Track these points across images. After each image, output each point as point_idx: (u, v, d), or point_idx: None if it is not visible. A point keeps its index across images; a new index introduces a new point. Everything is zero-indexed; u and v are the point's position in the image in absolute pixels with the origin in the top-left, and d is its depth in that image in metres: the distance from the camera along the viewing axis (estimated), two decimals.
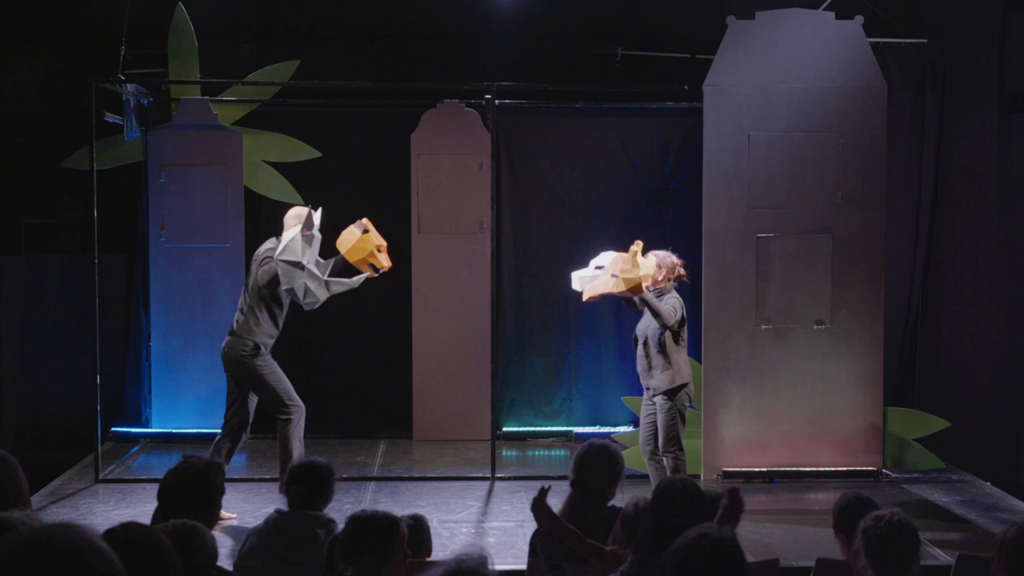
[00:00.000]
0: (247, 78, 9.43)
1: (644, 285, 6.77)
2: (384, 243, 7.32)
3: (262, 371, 7.08)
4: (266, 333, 7.15)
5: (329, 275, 7.21)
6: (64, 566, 1.75)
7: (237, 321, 7.17)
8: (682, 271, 7.13)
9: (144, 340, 9.58)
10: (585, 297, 7.00)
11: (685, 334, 7.04)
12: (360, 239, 7.18)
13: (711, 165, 8.10)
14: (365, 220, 7.32)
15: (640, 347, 7.04)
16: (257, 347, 7.07)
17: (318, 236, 7.15)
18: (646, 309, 6.89)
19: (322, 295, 7.08)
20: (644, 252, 6.95)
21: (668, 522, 3.59)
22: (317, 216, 7.14)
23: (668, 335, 6.91)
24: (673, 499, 3.79)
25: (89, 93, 8.15)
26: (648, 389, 7.06)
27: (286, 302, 7.24)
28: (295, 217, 7.20)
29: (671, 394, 6.92)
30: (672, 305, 6.88)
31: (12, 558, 1.74)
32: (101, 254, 8.23)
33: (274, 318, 7.19)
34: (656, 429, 7.03)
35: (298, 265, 6.97)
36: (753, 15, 8.10)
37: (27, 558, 1.74)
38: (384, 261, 7.26)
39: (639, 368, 7.09)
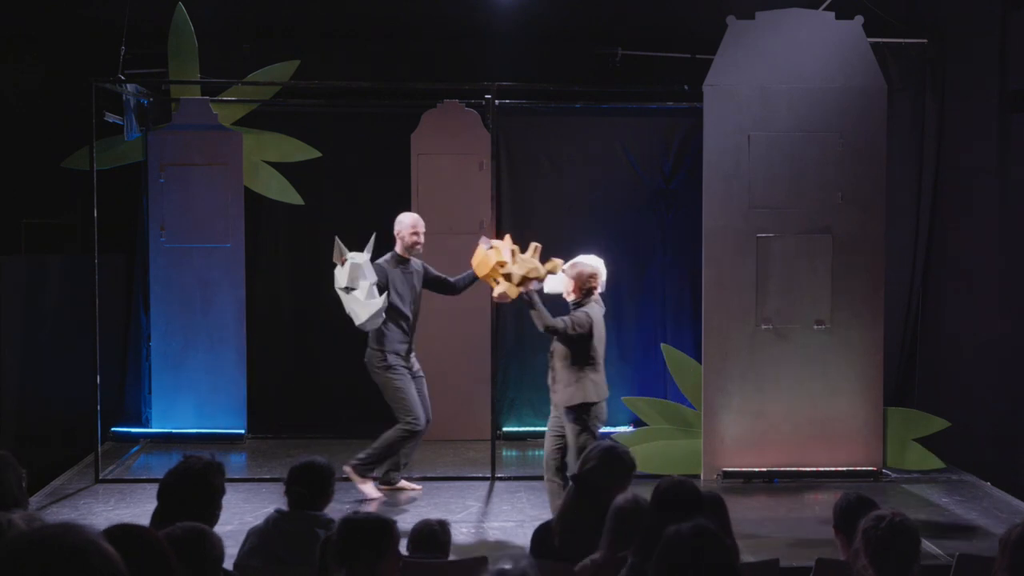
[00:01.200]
0: (247, 78, 9.44)
1: (517, 284, 6.66)
2: (507, 260, 7.06)
3: (392, 382, 7.56)
4: (396, 340, 7.56)
5: (459, 287, 7.87)
6: (66, 566, 1.75)
7: (370, 334, 7.58)
8: (594, 283, 6.64)
9: (144, 340, 9.58)
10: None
11: (595, 352, 6.56)
12: (484, 255, 7.00)
13: (711, 165, 8.10)
14: (507, 237, 7.12)
15: (550, 360, 6.72)
16: (385, 356, 7.52)
17: (356, 259, 7.32)
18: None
19: (363, 313, 7.37)
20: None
21: (667, 523, 3.59)
22: (366, 248, 7.45)
23: (569, 351, 6.54)
24: (672, 499, 3.79)
25: (89, 93, 8.16)
26: (553, 404, 6.74)
27: (407, 310, 7.62)
28: (397, 223, 7.72)
29: (575, 412, 6.51)
30: (575, 317, 6.51)
31: (14, 558, 1.74)
32: (101, 254, 8.23)
33: (400, 327, 7.58)
34: (559, 445, 6.67)
35: (344, 290, 7.38)
36: (753, 15, 8.10)
37: (29, 558, 1.74)
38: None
39: (549, 381, 6.78)
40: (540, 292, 6.81)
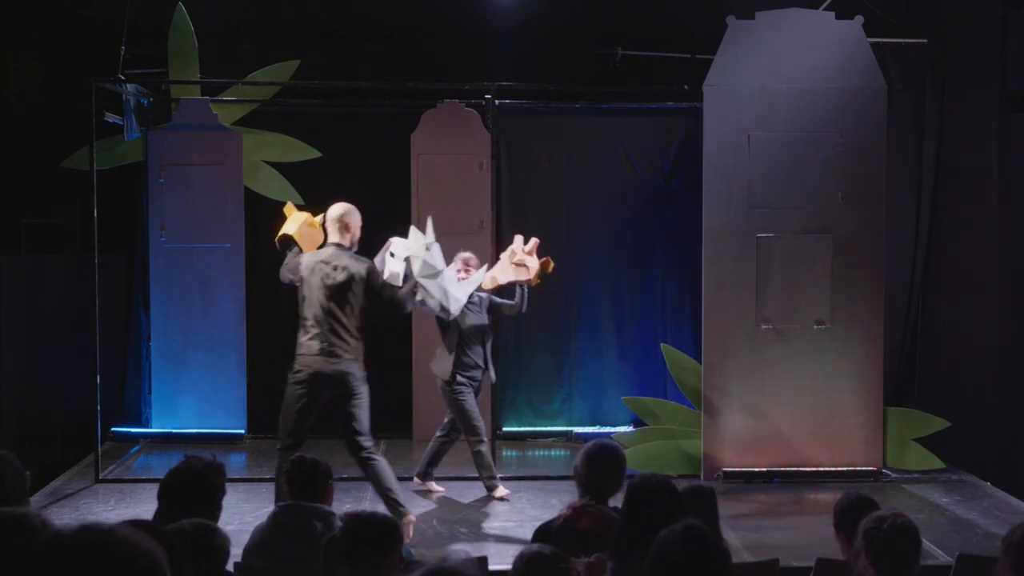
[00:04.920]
0: (247, 78, 9.44)
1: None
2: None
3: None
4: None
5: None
6: (112, 561, 1.74)
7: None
8: None
9: (144, 340, 9.58)
10: (492, 285, 7.45)
11: None
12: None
13: (711, 165, 8.10)
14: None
15: (479, 345, 7.50)
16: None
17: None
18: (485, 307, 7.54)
19: (462, 296, 7.00)
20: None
21: (641, 521, 3.57)
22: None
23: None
24: (646, 497, 3.75)
25: (89, 93, 8.15)
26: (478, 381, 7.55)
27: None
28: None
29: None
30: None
31: (60, 555, 1.74)
32: (101, 254, 8.23)
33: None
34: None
35: (435, 275, 6.76)
36: (753, 15, 8.10)
37: (77, 555, 1.74)
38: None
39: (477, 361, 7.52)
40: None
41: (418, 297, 6.62)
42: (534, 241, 7.45)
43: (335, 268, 6.43)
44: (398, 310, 6.66)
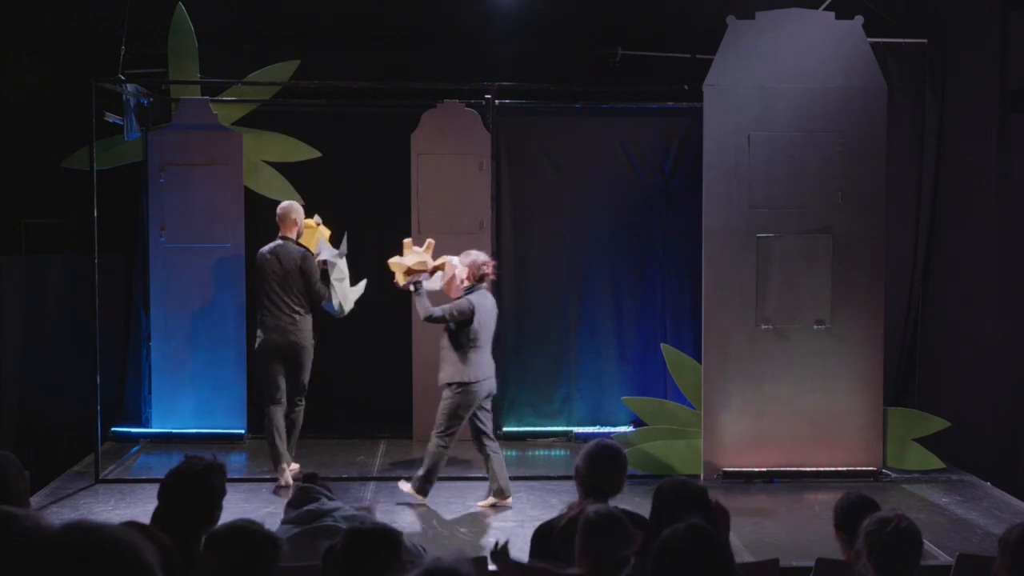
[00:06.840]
0: (247, 78, 9.44)
1: (413, 275, 7.27)
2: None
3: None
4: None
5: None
6: (104, 562, 1.74)
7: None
8: (487, 270, 7.33)
9: (144, 340, 9.57)
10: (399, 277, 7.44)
11: (474, 336, 7.19)
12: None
13: (711, 165, 8.10)
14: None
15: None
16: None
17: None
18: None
19: (353, 298, 8.11)
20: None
21: (671, 523, 3.59)
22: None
23: (448, 333, 7.27)
24: (673, 500, 3.80)
25: (89, 93, 8.15)
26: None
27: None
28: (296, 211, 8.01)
29: (451, 388, 7.28)
30: (456, 304, 7.17)
31: (48, 555, 1.74)
32: (101, 254, 8.23)
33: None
34: (477, 424, 7.39)
35: (341, 281, 8.03)
36: (753, 15, 8.10)
37: (68, 555, 1.74)
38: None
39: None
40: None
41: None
42: (428, 242, 7.57)
43: (279, 258, 7.83)
44: (317, 302, 7.90)
